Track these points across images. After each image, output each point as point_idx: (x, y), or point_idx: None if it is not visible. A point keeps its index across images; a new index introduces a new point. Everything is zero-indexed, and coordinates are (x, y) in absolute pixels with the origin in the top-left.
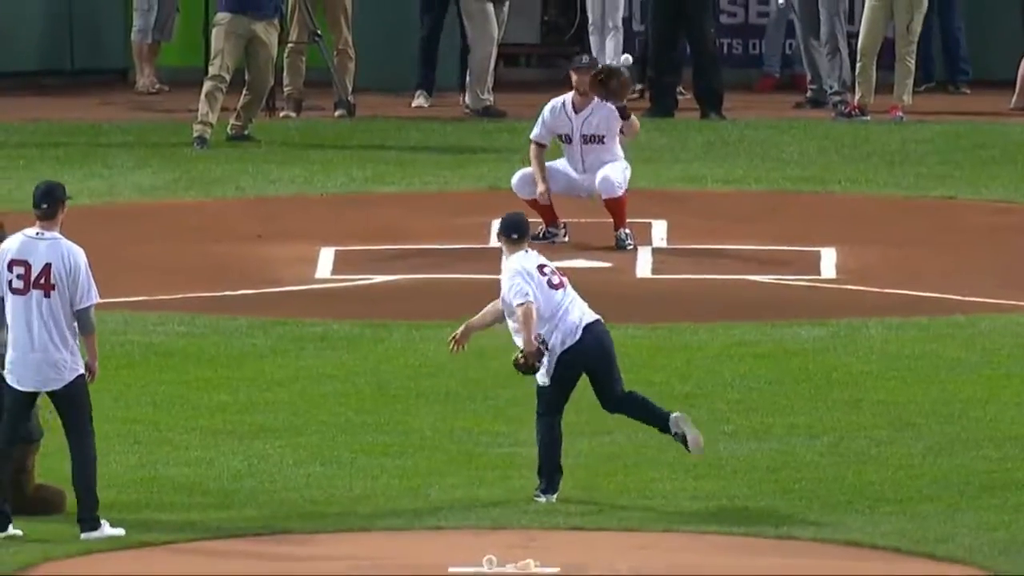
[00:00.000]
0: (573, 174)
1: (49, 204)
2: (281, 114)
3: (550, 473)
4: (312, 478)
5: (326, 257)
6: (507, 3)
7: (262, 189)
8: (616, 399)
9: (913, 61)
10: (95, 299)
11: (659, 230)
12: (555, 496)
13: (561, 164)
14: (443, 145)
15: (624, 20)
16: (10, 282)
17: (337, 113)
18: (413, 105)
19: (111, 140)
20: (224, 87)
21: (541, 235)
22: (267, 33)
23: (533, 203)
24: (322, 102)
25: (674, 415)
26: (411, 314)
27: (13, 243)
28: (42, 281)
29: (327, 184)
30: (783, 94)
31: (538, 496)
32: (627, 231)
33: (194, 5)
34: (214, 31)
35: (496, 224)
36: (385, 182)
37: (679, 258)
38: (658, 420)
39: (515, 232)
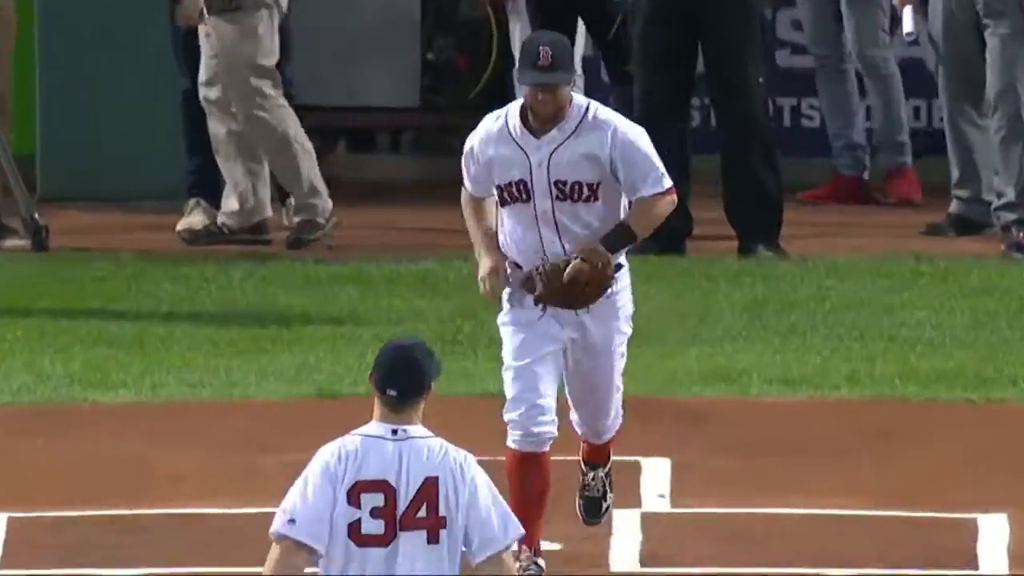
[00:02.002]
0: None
1: None
2: None
3: None
4: None
5: None
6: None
7: None
8: None
9: None
10: None
11: (656, 476)
12: None
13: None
14: (228, 308)
15: (587, 61)
16: None
17: (9, 243)
18: (180, 227)
19: None
20: None
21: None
22: None
23: (532, 465)
24: None
25: None
26: None
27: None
28: None
29: None
30: (899, 210)
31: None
32: (607, 476)
33: None
34: None
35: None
36: (110, 384)
37: (692, 532)
38: None
39: (393, 384)
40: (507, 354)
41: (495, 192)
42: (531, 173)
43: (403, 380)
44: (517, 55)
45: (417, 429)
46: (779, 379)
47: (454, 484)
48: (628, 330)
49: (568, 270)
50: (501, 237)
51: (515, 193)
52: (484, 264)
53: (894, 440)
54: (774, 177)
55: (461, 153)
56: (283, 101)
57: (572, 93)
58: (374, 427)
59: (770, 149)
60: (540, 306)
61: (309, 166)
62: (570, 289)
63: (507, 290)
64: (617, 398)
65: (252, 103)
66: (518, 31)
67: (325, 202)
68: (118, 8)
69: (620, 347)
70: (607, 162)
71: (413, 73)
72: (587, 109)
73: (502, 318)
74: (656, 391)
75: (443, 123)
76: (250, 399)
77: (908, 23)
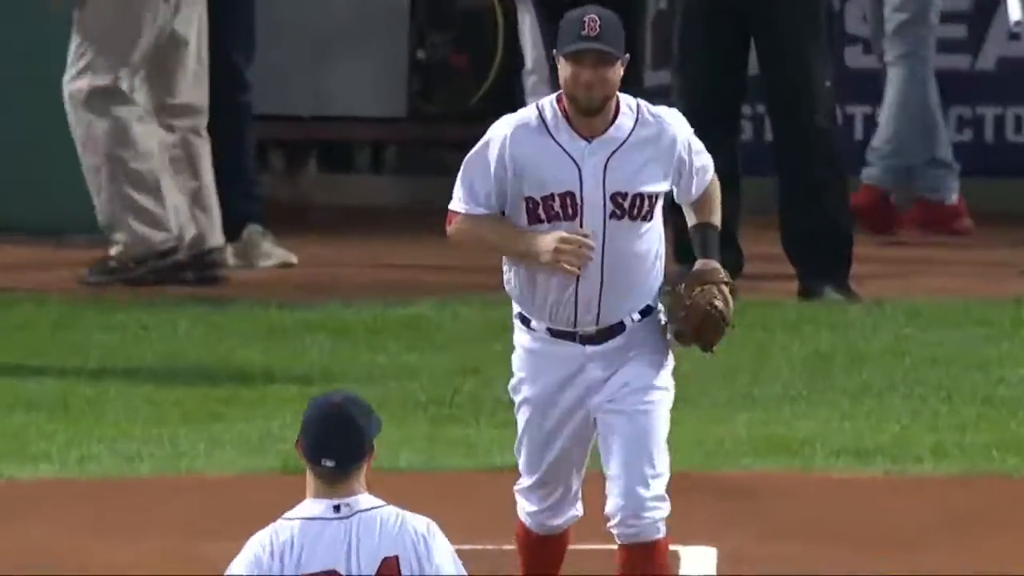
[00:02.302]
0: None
1: None
2: None
3: None
4: None
5: None
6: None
7: None
8: None
9: None
10: None
11: (699, 568)
12: None
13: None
14: (172, 363)
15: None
16: None
17: None
18: (114, 264)
19: None
20: None
21: None
22: None
23: (542, 548)
24: None
25: None
26: None
27: None
28: None
29: None
30: (996, 245)
31: None
32: None
33: None
34: None
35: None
36: (29, 456)
37: None
38: None
39: (329, 452)
40: (522, 440)
41: (518, 208)
42: (581, 184)
43: (339, 445)
44: (528, 53)
45: (364, 499)
46: (848, 450)
47: (418, 560)
48: (670, 380)
49: (726, 303)
50: (507, 275)
51: (557, 209)
52: (543, 238)
53: (990, 525)
54: (843, 202)
55: (451, 174)
56: (115, 111)
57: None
58: (311, 506)
59: (838, 168)
60: (584, 366)
61: (127, 192)
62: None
63: (517, 356)
64: (663, 460)
65: (67, 102)
66: (528, 25)
67: (144, 240)
68: (40, 16)
69: (663, 391)
70: (675, 166)
71: (399, 75)
72: (639, 105)
73: (514, 393)
74: (699, 464)
75: (436, 136)
76: (200, 474)
77: (1015, 10)
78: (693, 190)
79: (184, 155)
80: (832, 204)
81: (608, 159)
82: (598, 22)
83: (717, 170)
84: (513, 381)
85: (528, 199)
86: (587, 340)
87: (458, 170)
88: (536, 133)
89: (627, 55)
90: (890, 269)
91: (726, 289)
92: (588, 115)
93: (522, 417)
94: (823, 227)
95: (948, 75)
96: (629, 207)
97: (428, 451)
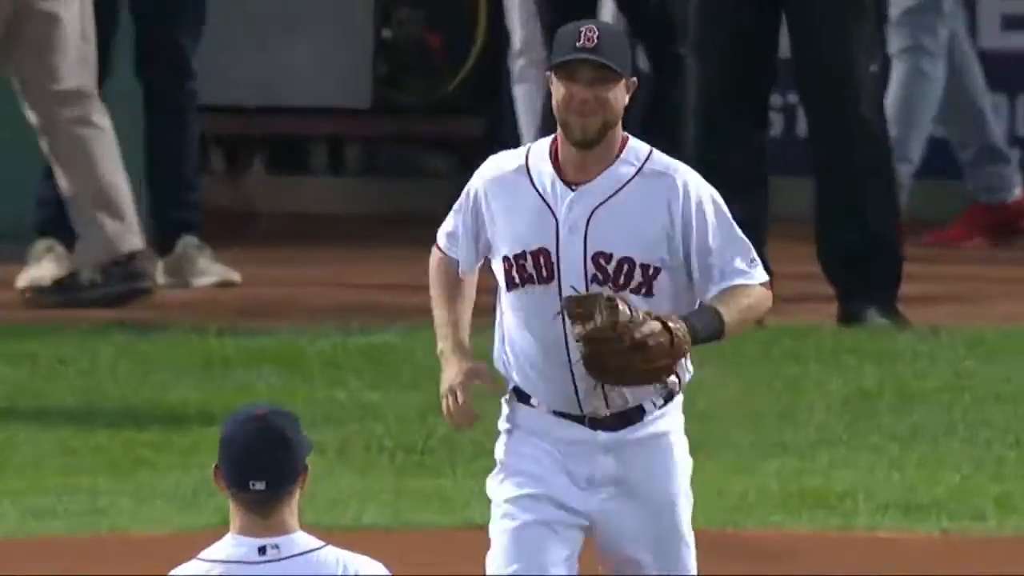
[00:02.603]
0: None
1: None
2: None
3: None
4: None
5: None
6: None
7: None
8: None
9: None
10: None
11: None
12: None
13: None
14: (92, 402)
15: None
16: None
17: None
18: (23, 283)
19: None
20: None
21: None
22: None
23: None
24: None
25: None
26: None
27: None
28: None
29: None
30: None
31: None
32: None
33: None
34: None
35: None
36: None
37: None
38: None
39: (257, 471)
40: (497, 551)
41: (496, 270)
42: (557, 239)
43: (269, 463)
44: (515, 31)
45: (298, 538)
46: (897, 505)
47: None
48: (688, 490)
49: (645, 327)
50: (498, 344)
51: (530, 270)
52: (451, 368)
53: None
54: (891, 210)
55: (431, 175)
56: None
57: (626, 134)
58: (232, 545)
59: (886, 169)
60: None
61: None
62: (631, 353)
63: (503, 442)
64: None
65: None
66: (516, 15)
67: None
68: None
69: (683, 508)
70: (677, 232)
71: (362, 58)
72: (651, 153)
73: (494, 485)
74: (721, 521)
75: (406, 131)
76: (124, 533)
77: None
78: (711, 288)
79: (76, 149)
80: (878, 212)
81: (593, 211)
82: (596, 33)
83: (740, 173)
84: (495, 472)
85: (504, 259)
86: (598, 425)
87: (432, 172)
88: (514, 178)
89: (634, 79)
90: (947, 289)
91: (658, 324)
92: (583, 147)
93: (497, 518)
94: (867, 239)
95: (1014, 57)
96: (614, 273)
97: (394, 505)
